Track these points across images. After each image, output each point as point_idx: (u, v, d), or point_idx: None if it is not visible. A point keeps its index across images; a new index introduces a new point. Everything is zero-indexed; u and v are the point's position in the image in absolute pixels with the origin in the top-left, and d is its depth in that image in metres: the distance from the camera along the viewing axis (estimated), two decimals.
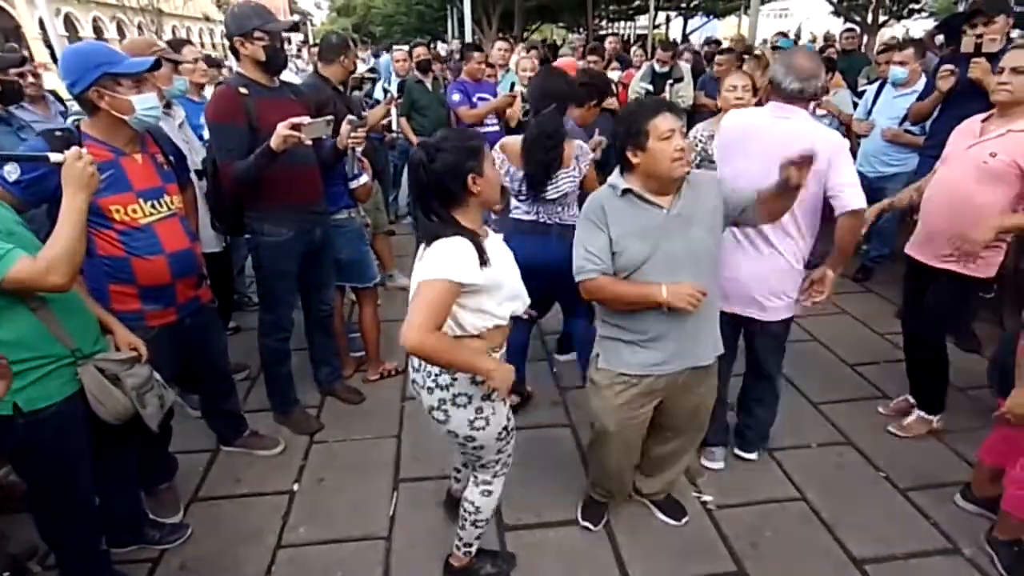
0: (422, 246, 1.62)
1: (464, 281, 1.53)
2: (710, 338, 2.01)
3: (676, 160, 1.75)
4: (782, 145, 1.99)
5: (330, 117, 2.38)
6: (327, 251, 2.85)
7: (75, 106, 2.34)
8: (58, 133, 1.89)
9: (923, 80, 4.00)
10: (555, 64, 4.27)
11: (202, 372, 2.49)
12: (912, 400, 2.96)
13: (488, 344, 1.68)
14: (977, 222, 2.31)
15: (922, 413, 2.85)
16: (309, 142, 2.35)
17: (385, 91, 5.37)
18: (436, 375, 1.69)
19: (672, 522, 2.34)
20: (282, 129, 2.23)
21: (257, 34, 2.38)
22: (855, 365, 3.45)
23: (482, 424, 1.74)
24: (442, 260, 1.52)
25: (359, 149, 3.09)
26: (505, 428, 1.82)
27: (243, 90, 2.41)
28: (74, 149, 1.64)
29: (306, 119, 2.28)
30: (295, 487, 2.58)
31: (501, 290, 1.63)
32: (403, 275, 4.48)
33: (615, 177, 1.89)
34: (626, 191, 1.84)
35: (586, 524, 2.33)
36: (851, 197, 2.11)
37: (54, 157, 1.64)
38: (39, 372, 1.63)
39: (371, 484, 2.58)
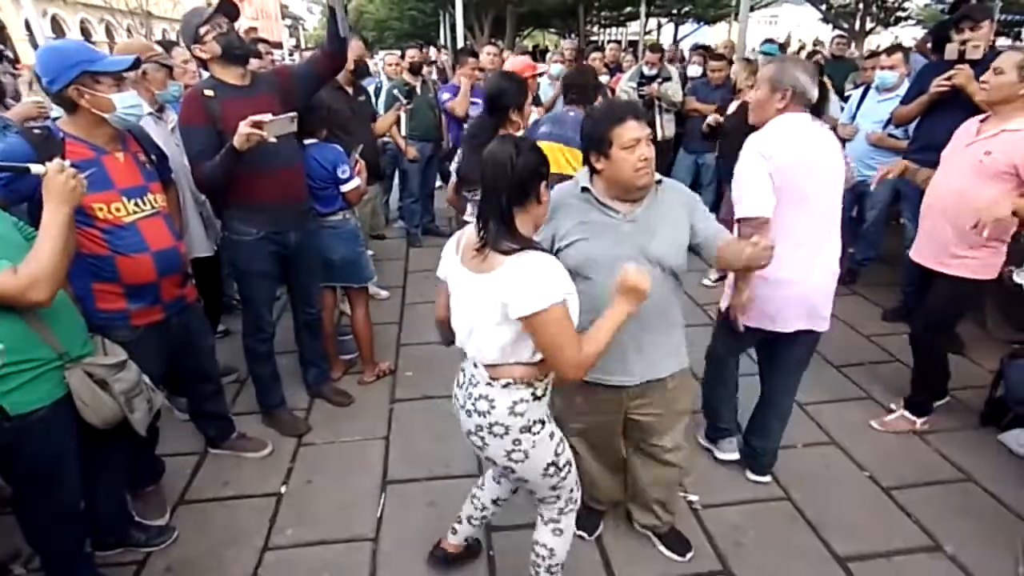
0: (472, 240, 1.53)
1: (566, 295, 1.44)
2: (667, 350, 1.93)
3: (639, 170, 1.72)
4: (830, 155, 2.16)
5: (294, 114, 2.36)
6: (308, 254, 2.84)
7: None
8: (37, 131, 1.88)
9: (906, 84, 4.06)
10: (508, 63, 4.27)
11: (189, 372, 2.48)
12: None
13: (542, 372, 1.57)
14: (970, 220, 2.35)
15: (906, 413, 2.88)
16: (273, 139, 2.29)
17: (376, 95, 5.40)
18: (475, 400, 1.59)
19: (676, 557, 2.21)
20: (243, 128, 2.20)
21: (202, 30, 2.38)
22: (841, 366, 3.48)
23: (520, 457, 1.60)
24: (540, 284, 1.40)
25: (357, 151, 3.10)
26: (553, 464, 1.65)
27: (208, 92, 2.40)
28: (56, 161, 1.61)
29: (268, 116, 2.25)
30: (283, 489, 2.57)
31: (570, 297, 1.48)
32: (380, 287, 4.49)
33: (583, 173, 1.88)
34: (584, 189, 1.84)
35: (580, 533, 2.23)
36: None
37: (35, 169, 1.61)
38: (27, 376, 1.62)
39: (359, 486, 2.58)
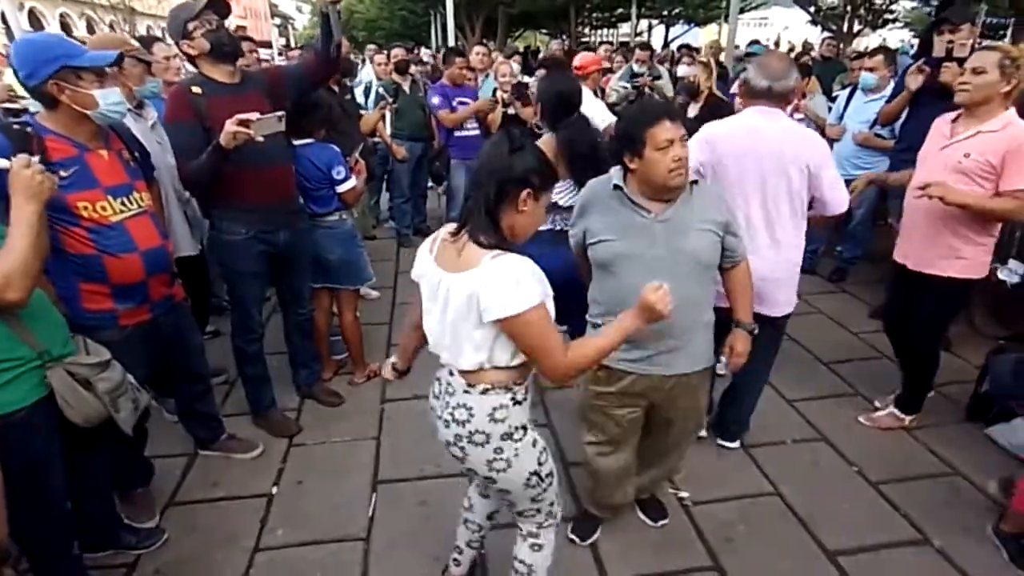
0: (447, 233, 1.50)
1: (543, 297, 1.38)
2: (699, 347, 1.95)
3: (673, 171, 1.72)
4: (778, 145, 2.19)
5: (282, 113, 2.34)
6: (299, 254, 2.82)
7: None
8: (16, 126, 1.84)
9: (892, 85, 4.11)
10: (578, 58, 4.44)
11: (178, 372, 2.47)
12: None
13: (521, 376, 1.53)
14: (961, 220, 2.41)
15: (896, 411, 2.91)
16: (261, 139, 2.26)
17: (367, 95, 5.40)
18: (452, 408, 1.53)
19: (649, 522, 2.35)
20: (229, 126, 2.18)
21: (190, 26, 2.36)
22: (829, 363, 3.51)
23: (502, 466, 1.54)
24: (516, 287, 1.35)
25: (357, 151, 3.10)
26: (536, 475, 1.59)
27: (195, 89, 2.38)
28: (22, 156, 1.58)
29: (255, 115, 2.23)
30: (273, 490, 2.56)
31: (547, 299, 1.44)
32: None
33: (616, 171, 1.89)
34: (616, 187, 1.85)
35: (573, 537, 2.26)
36: (839, 203, 2.28)
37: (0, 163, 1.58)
38: (7, 376, 1.60)
39: (350, 486, 2.57)
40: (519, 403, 1.54)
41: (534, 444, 1.59)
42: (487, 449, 1.52)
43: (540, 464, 1.60)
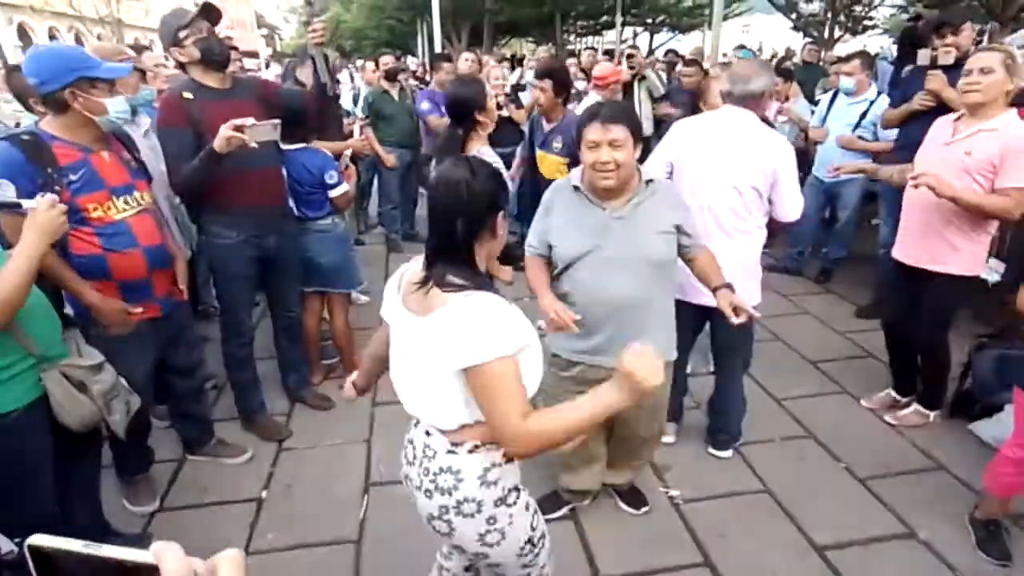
0: (416, 275, 1.31)
1: (518, 347, 1.19)
2: (656, 340, 1.85)
3: (598, 172, 1.76)
4: (732, 141, 2.26)
5: (277, 121, 2.36)
6: (287, 258, 2.83)
7: None
8: (26, 137, 1.87)
9: (874, 88, 4.19)
10: (597, 69, 4.55)
11: (177, 366, 2.45)
12: (895, 395, 3.06)
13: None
14: (957, 216, 2.45)
15: (920, 407, 2.94)
16: (255, 145, 2.27)
17: (355, 102, 5.41)
18: (434, 475, 1.31)
19: (631, 511, 2.39)
20: (224, 131, 2.20)
21: (182, 34, 2.37)
22: (816, 362, 3.55)
23: (496, 538, 1.33)
24: (486, 331, 1.17)
25: (347, 155, 3.12)
26: (530, 541, 1.41)
27: (187, 95, 2.39)
28: (48, 196, 1.63)
29: (250, 120, 2.24)
30: (263, 494, 2.54)
31: (525, 351, 1.24)
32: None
33: (576, 171, 1.94)
34: (576, 187, 1.89)
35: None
36: (793, 211, 2.34)
37: (27, 204, 1.62)
38: (1, 376, 1.60)
39: (341, 489, 2.56)
40: (512, 460, 1.35)
41: (527, 507, 1.42)
42: (478, 520, 1.31)
43: (533, 529, 1.43)
